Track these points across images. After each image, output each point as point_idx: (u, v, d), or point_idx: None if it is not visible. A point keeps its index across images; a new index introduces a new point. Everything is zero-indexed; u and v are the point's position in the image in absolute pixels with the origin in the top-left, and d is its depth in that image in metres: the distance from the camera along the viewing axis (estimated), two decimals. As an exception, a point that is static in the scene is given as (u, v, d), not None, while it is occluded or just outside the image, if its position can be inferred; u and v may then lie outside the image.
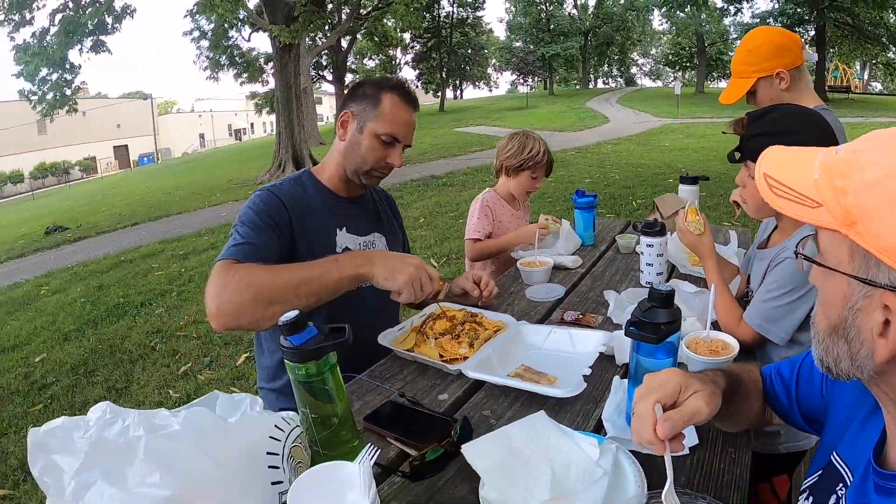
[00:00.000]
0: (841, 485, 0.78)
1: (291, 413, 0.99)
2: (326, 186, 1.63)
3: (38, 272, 8.28)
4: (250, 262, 1.35)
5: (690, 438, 1.03)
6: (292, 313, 0.92)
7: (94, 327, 5.26)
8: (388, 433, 1.10)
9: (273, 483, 0.80)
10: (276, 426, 0.89)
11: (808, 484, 0.87)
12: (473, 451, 0.96)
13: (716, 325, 1.43)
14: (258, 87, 28.97)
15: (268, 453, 0.83)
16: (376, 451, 0.76)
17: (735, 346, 1.29)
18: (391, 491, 0.96)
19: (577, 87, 49.29)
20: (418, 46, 39.69)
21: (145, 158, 44.26)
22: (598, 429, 1.11)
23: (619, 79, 57.81)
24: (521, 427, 1.02)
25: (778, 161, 0.71)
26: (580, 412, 1.17)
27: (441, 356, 1.36)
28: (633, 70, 59.59)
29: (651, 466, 0.93)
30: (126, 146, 46.58)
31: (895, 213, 0.57)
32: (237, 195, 12.55)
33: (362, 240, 1.65)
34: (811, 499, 0.84)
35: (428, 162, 13.68)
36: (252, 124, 58.85)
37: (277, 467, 0.82)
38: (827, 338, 0.68)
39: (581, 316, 1.60)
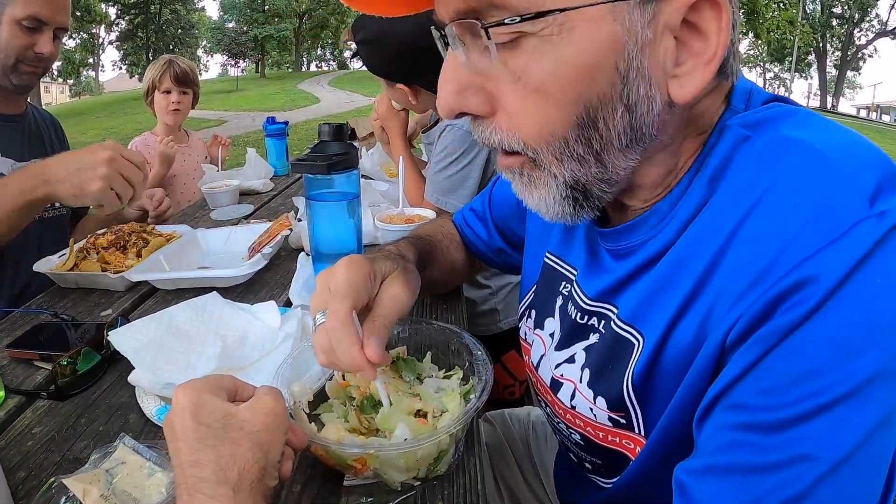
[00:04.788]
0: (564, 282, 0.70)
1: None
2: None
3: None
4: None
5: None
6: None
7: None
8: (34, 353, 0.91)
9: None
10: None
11: (525, 303, 0.79)
12: (121, 335, 0.82)
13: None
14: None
15: None
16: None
17: (431, 215, 1.25)
18: (35, 416, 0.77)
19: (290, 70, 48.35)
20: (124, 24, 34.52)
21: None
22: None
23: (332, 62, 58.15)
24: (186, 306, 0.91)
25: None
26: (266, 297, 1.09)
27: (104, 270, 1.16)
28: (347, 54, 59.65)
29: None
30: None
31: None
32: None
33: (20, 166, 1.39)
34: (534, 313, 0.75)
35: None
36: None
37: None
38: (574, 143, 0.47)
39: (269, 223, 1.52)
